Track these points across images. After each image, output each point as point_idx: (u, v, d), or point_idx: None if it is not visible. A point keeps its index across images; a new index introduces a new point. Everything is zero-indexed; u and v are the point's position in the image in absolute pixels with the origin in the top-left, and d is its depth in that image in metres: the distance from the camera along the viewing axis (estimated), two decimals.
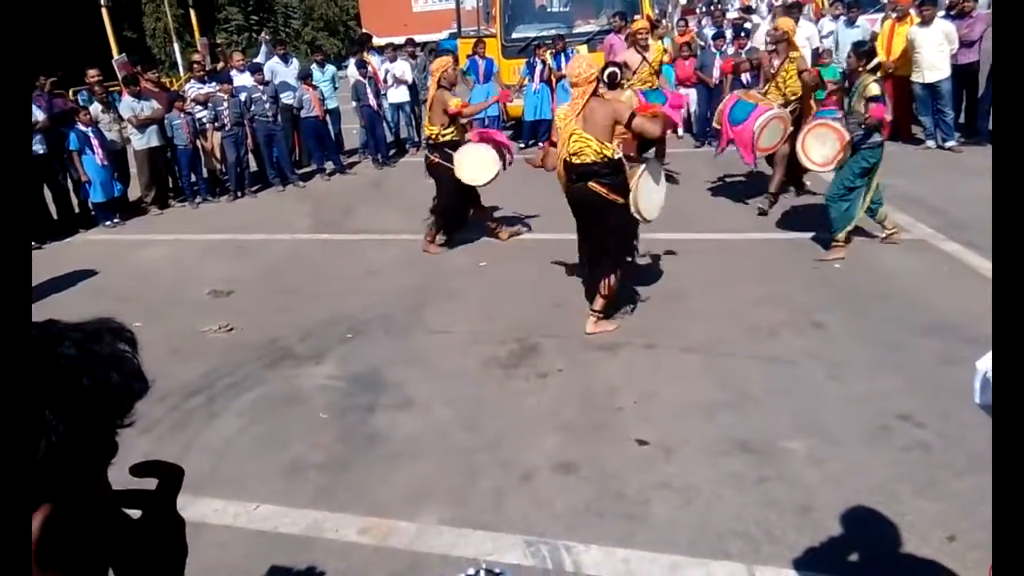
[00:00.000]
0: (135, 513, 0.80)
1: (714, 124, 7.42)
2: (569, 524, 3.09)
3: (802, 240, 6.36)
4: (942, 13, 8.92)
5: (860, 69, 5.63)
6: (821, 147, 5.73)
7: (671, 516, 3.10)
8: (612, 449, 3.61)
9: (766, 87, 7.10)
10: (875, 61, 5.72)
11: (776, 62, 7.03)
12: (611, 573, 2.80)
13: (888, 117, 5.93)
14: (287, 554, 3.03)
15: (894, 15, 9.40)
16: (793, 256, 6.02)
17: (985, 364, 1.19)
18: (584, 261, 5.26)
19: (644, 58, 7.74)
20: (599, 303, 4.92)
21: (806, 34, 10.35)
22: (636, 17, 9.38)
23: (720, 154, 7.43)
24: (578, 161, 4.72)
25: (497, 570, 0.49)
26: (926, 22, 8.70)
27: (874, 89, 5.50)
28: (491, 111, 10.43)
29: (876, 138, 5.64)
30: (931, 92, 8.85)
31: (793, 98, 6.94)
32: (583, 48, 10.70)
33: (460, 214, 6.90)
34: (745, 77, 8.36)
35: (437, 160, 6.62)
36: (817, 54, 8.36)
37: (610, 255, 4.89)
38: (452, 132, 6.58)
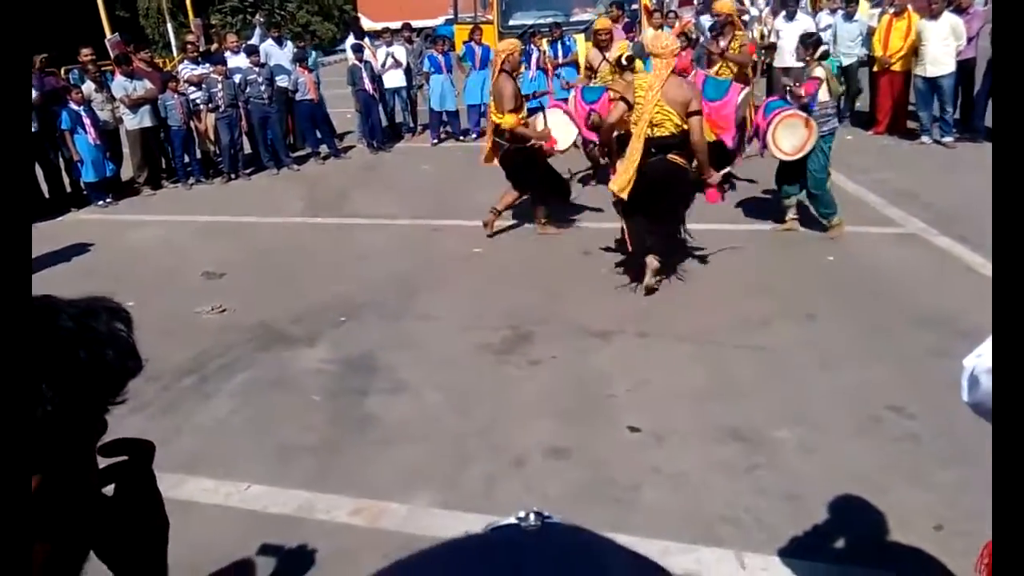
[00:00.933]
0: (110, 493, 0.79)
1: None
2: (560, 509, 3.07)
3: (795, 232, 6.36)
4: (891, 8, 8.96)
5: (808, 59, 6.06)
6: (791, 137, 5.79)
7: (661, 502, 3.12)
8: (604, 435, 3.62)
9: (716, 69, 7.48)
10: (821, 50, 6.07)
11: (723, 43, 7.54)
12: None
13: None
14: (278, 534, 3.03)
15: (891, 10, 9.39)
16: (786, 248, 6.04)
17: (972, 362, 1.20)
18: (639, 243, 5.28)
19: (604, 57, 7.57)
20: (656, 267, 5.13)
21: (803, 27, 10.35)
22: (600, 14, 9.32)
23: None
24: (659, 133, 4.83)
25: (547, 513, 0.50)
26: (935, 15, 8.68)
27: (819, 72, 5.87)
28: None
29: (832, 124, 6.03)
30: (932, 87, 8.84)
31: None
32: (580, 37, 10.66)
33: (558, 181, 6.70)
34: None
35: (515, 146, 6.23)
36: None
37: (682, 222, 5.33)
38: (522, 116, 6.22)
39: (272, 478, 3.45)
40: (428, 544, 0.46)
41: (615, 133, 5.27)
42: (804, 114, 5.79)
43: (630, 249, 5.36)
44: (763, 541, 2.84)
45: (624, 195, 4.97)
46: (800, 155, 5.84)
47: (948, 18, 8.64)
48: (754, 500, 3.08)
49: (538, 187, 6.58)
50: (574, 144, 6.96)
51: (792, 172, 6.07)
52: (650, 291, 5.16)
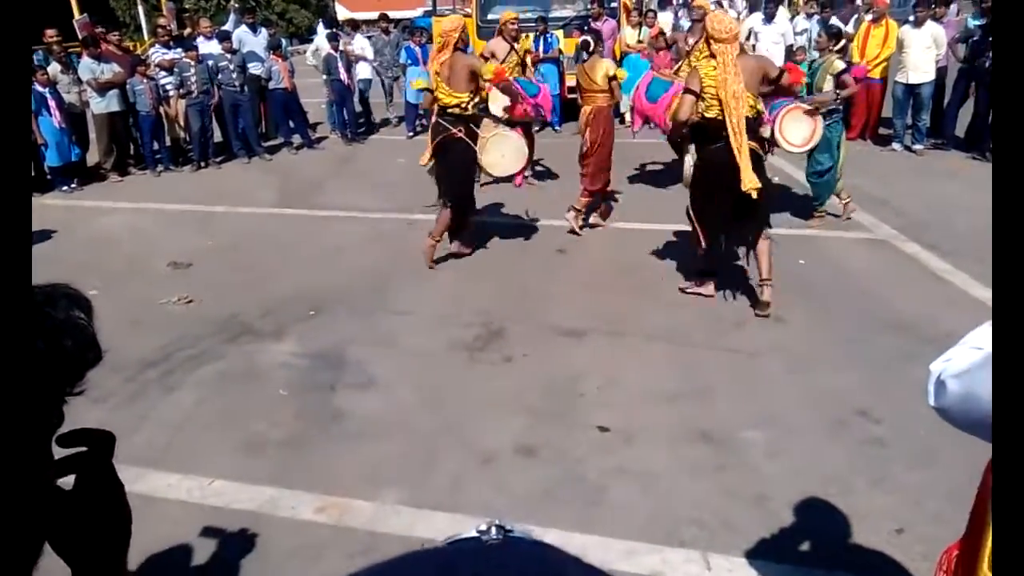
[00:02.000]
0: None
1: (629, 103, 7.46)
2: (528, 508, 3.09)
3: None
4: (912, 18, 9.03)
5: (829, 49, 6.35)
6: (798, 129, 5.79)
7: (629, 502, 3.12)
8: (573, 434, 3.62)
9: (679, 65, 7.35)
10: (842, 43, 6.32)
11: (692, 40, 7.51)
12: None
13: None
14: (242, 530, 2.98)
15: (869, 17, 9.50)
16: None
17: (940, 367, 1.20)
18: (721, 237, 5.14)
19: (513, 48, 7.36)
20: (769, 268, 4.83)
21: (781, 30, 10.46)
22: (506, 10, 9.10)
23: (637, 131, 7.31)
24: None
25: (509, 527, 0.48)
26: (918, 23, 8.77)
27: (839, 65, 6.11)
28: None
29: (834, 115, 6.20)
30: (911, 94, 8.95)
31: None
32: (559, 32, 10.65)
33: (473, 202, 6.05)
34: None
35: (459, 135, 5.58)
36: (791, 51, 8.43)
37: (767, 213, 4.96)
38: (477, 102, 5.69)
39: (237, 473, 3.39)
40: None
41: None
42: (807, 106, 5.83)
43: (703, 245, 4.99)
44: (729, 542, 2.86)
45: (751, 187, 4.55)
46: (810, 146, 5.91)
47: (930, 27, 8.74)
48: (721, 501, 3.10)
49: (464, 197, 5.85)
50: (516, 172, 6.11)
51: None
52: (765, 309, 4.80)
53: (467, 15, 11.83)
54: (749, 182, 4.53)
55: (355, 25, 12.22)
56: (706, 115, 4.67)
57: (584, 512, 3.06)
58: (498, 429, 3.67)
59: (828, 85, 6.12)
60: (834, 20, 10.25)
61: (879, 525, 2.91)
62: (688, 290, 5.16)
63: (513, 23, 7.42)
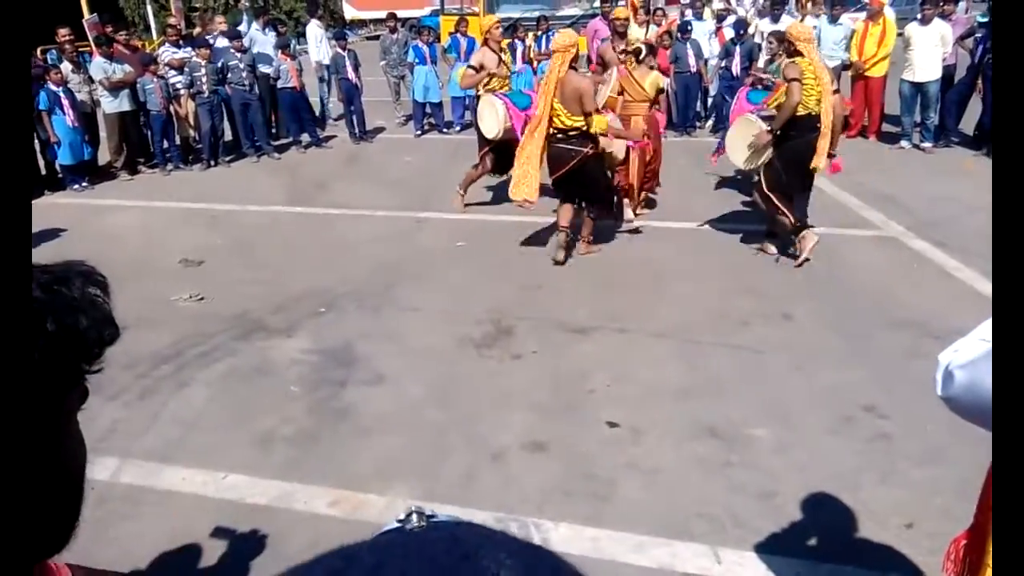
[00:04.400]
0: None
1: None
2: (538, 502, 3.12)
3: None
4: (919, 16, 9.01)
5: (780, 53, 6.92)
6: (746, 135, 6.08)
7: (638, 497, 3.15)
8: (582, 430, 3.64)
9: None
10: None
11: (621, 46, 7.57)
12: (579, 551, 2.83)
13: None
14: (255, 524, 3.02)
15: (864, 15, 9.50)
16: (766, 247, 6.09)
17: (947, 357, 1.23)
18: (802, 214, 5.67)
19: (501, 59, 7.07)
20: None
21: None
22: (453, 9, 8.94)
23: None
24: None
25: (428, 512, 0.50)
26: (925, 21, 8.75)
27: (791, 72, 6.20)
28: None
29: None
30: (918, 92, 8.94)
31: None
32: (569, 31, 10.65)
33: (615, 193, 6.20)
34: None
35: (592, 151, 5.53)
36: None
37: None
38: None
39: (250, 468, 3.43)
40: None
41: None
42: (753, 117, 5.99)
43: (793, 223, 5.54)
44: (738, 537, 2.88)
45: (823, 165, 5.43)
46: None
47: (938, 24, 8.72)
48: (730, 496, 3.12)
49: (605, 199, 5.91)
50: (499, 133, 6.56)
51: None
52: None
53: (474, 13, 11.89)
54: (820, 161, 5.35)
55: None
56: (807, 104, 5.28)
57: (594, 506, 3.08)
58: (508, 425, 3.70)
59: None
60: (844, 19, 10.24)
61: (887, 520, 2.93)
62: (807, 256, 5.52)
63: (497, 28, 7.09)
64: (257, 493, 3.25)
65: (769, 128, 5.52)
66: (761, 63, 8.06)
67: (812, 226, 5.63)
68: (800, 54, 5.34)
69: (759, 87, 7.18)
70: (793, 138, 5.44)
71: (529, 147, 5.53)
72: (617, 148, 5.94)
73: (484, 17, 7.26)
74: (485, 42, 7.09)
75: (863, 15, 10.33)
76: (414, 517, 0.49)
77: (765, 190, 5.62)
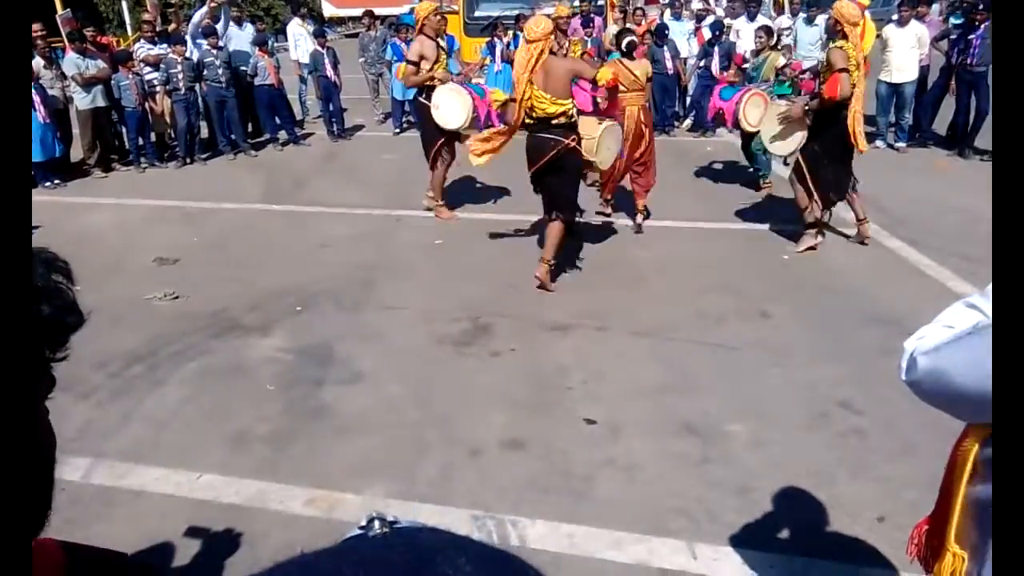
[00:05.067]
0: None
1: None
2: (515, 499, 3.12)
3: (756, 231, 6.50)
4: (895, 17, 9.11)
5: (768, 47, 7.43)
6: (754, 110, 6.62)
7: (615, 493, 3.16)
8: (560, 427, 3.65)
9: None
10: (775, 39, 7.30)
11: (565, 43, 7.51)
12: (556, 547, 2.84)
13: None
14: (230, 524, 2.99)
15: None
16: (746, 247, 6.15)
17: (912, 344, 1.25)
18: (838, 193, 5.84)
19: (439, 48, 6.73)
20: (863, 208, 5.83)
21: None
22: (415, 6, 8.71)
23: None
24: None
25: (390, 518, 0.50)
26: (902, 23, 8.84)
27: (780, 60, 7.12)
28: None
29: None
30: (894, 93, 9.04)
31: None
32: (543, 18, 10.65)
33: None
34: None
35: (574, 144, 5.29)
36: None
37: None
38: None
39: (225, 467, 3.39)
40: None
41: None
42: (763, 93, 6.74)
43: (823, 206, 5.78)
44: (714, 532, 2.90)
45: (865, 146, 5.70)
46: (758, 128, 6.68)
47: (914, 26, 8.82)
48: (706, 492, 3.14)
49: (572, 203, 5.53)
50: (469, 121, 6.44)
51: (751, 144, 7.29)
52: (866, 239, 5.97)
53: (453, 12, 11.85)
54: (864, 143, 5.57)
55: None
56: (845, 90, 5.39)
57: (571, 503, 3.09)
58: (485, 423, 3.70)
59: (773, 77, 7.14)
60: (821, 20, 10.33)
61: (860, 514, 2.96)
62: (800, 251, 5.81)
63: (436, 16, 6.71)
64: (232, 493, 3.22)
65: (806, 104, 5.74)
66: (749, 55, 8.13)
67: (823, 232, 5.94)
68: (845, 37, 5.46)
69: (736, 82, 7.32)
70: (827, 123, 5.62)
71: (501, 130, 5.49)
72: (604, 157, 5.71)
73: (419, 5, 6.83)
74: (421, 29, 6.57)
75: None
76: (376, 523, 0.48)
77: (807, 175, 5.75)
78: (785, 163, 6.66)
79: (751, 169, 7.81)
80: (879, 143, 9.29)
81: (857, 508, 2.99)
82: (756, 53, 7.66)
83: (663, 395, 3.91)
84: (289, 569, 0.41)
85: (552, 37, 5.24)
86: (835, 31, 5.59)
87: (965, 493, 1.26)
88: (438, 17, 6.77)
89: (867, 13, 9.40)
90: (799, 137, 5.95)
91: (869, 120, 9.60)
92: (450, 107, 6.40)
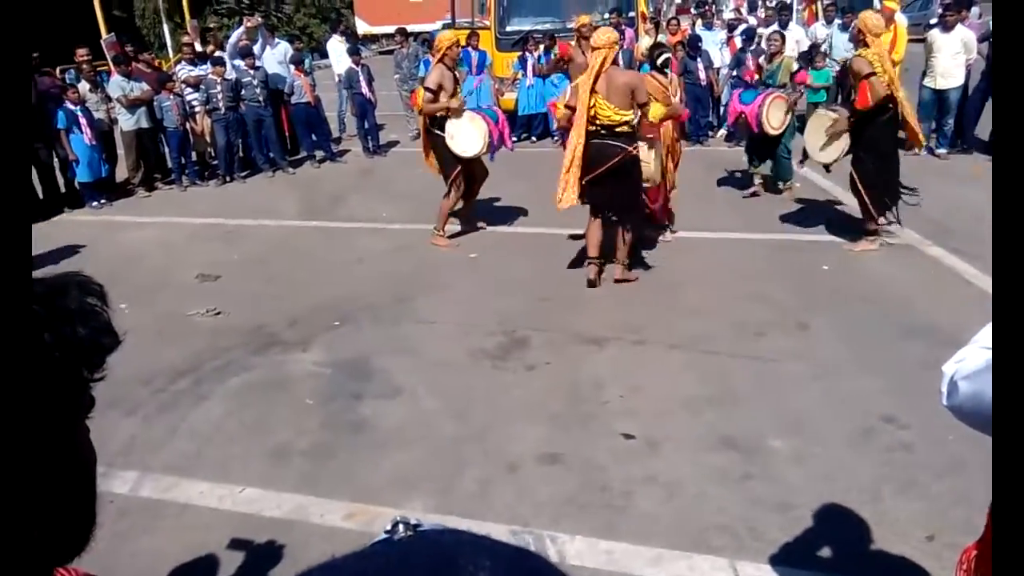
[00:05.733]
0: None
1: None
2: (553, 515, 3.11)
3: (792, 241, 6.42)
4: (934, 20, 8.96)
5: (781, 51, 7.66)
6: (777, 114, 6.94)
7: (654, 509, 3.13)
8: (597, 442, 3.63)
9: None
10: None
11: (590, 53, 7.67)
12: (594, 564, 2.82)
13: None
14: (272, 537, 3.03)
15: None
16: (783, 257, 6.08)
17: (951, 368, 1.22)
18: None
19: (456, 80, 6.71)
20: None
21: (795, 37, 10.43)
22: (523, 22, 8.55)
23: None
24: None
25: (413, 521, 0.50)
26: (948, 27, 8.65)
27: (795, 65, 7.52)
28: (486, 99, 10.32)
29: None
30: (938, 98, 8.85)
31: None
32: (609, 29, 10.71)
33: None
34: None
35: (635, 152, 5.40)
36: (811, 58, 8.43)
37: None
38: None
39: (266, 481, 3.44)
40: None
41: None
42: (786, 96, 7.18)
43: (877, 212, 5.96)
44: (757, 549, 2.85)
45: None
46: (783, 130, 7.08)
47: (960, 31, 8.61)
48: (747, 509, 3.09)
49: (637, 207, 5.71)
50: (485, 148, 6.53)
51: (762, 149, 7.47)
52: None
53: (485, 27, 11.95)
54: (922, 137, 5.89)
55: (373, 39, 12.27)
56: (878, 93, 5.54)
57: (610, 519, 3.07)
58: (522, 437, 3.70)
59: (787, 80, 7.53)
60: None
61: (908, 533, 2.89)
62: (856, 250, 5.98)
63: (457, 48, 6.73)
64: (273, 506, 3.26)
65: (849, 116, 5.80)
66: (762, 60, 8.11)
67: (882, 235, 6.08)
68: (867, 45, 5.59)
69: (759, 87, 7.33)
70: (868, 128, 5.75)
71: (574, 149, 5.39)
72: (654, 170, 5.76)
73: (441, 34, 6.78)
74: (441, 59, 6.46)
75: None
76: (400, 527, 0.49)
77: (861, 187, 5.91)
78: (827, 170, 6.59)
79: (753, 171, 7.81)
80: (920, 150, 9.11)
81: (904, 526, 2.92)
82: (770, 58, 7.68)
83: (702, 409, 3.87)
84: (316, 574, 0.42)
85: (616, 47, 5.33)
86: (858, 41, 5.73)
87: None
88: (458, 49, 6.86)
89: (902, 18, 9.34)
90: (842, 146, 6.00)
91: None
92: (466, 136, 6.46)
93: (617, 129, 5.26)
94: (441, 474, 3.44)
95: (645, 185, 5.73)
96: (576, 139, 5.34)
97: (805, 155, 6.60)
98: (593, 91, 5.19)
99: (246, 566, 2.91)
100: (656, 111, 5.37)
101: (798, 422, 3.70)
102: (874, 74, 5.51)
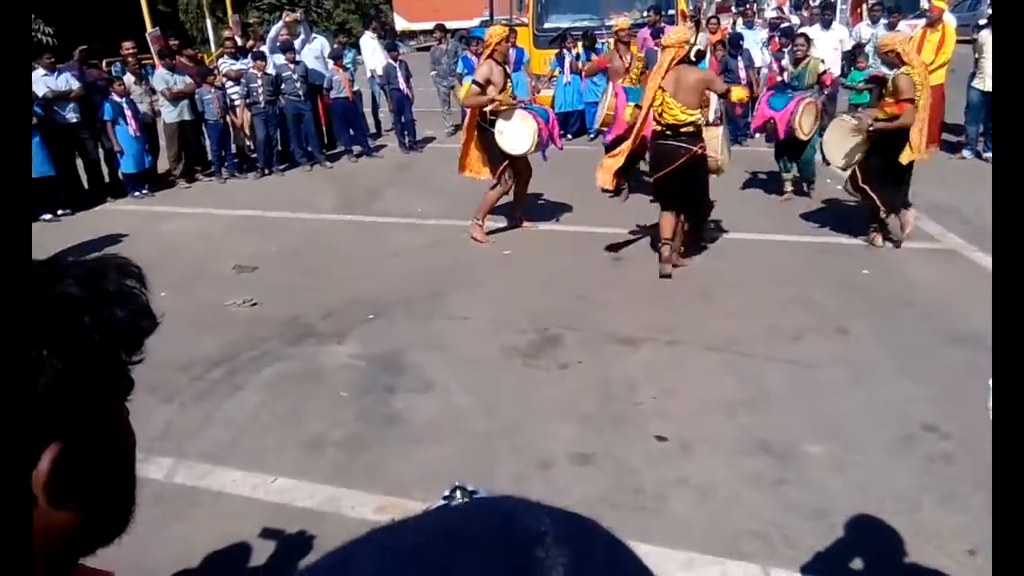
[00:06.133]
0: None
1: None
2: (585, 515, 3.08)
3: (831, 244, 6.31)
4: (983, 21, 8.72)
5: (808, 54, 7.54)
6: (808, 120, 6.91)
7: (687, 513, 3.09)
8: (630, 443, 3.60)
9: (620, 81, 7.44)
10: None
11: (627, 56, 7.69)
12: None
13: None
14: (304, 527, 3.05)
15: (923, 22, 9.22)
16: (821, 260, 5.97)
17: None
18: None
19: (507, 76, 6.61)
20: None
21: (838, 37, 10.24)
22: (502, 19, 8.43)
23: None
24: None
25: (471, 487, 0.50)
26: None
27: (821, 67, 7.47)
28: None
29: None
30: (987, 101, 8.62)
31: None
32: (611, 40, 10.64)
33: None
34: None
35: (702, 151, 5.47)
36: (853, 58, 8.28)
37: None
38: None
39: (299, 471, 3.47)
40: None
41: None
42: (816, 101, 7.16)
43: (885, 209, 5.95)
44: (791, 557, 2.80)
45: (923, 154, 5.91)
46: (812, 133, 7.01)
47: None
48: (782, 515, 3.04)
49: (703, 207, 5.82)
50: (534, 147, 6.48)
51: (790, 151, 7.43)
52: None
53: (523, 24, 11.93)
54: (923, 149, 5.77)
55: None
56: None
57: (642, 521, 3.04)
58: (554, 436, 3.68)
59: (814, 82, 7.49)
60: (902, 26, 9.99)
61: (948, 545, 2.82)
62: (907, 232, 5.98)
63: (507, 42, 6.65)
64: (306, 497, 3.29)
65: (870, 126, 5.80)
66: (785, 63, 7.99)
67: (909, 206, 6.05)
68: (906, 63, 5.66)
69: (787, 91, 7.28)
70: (890, 143, 5.76)
71: (630, 142, 5.47)
72: (726, 156, 5.85)
73: (490, 30, 6.74)
74: (491, 55, 6.39)
75: (922, 22, 10.05)
76: (458, 493, 0.49)
77: (860, 183, 5.91)
78: (844, 170, 6.50)
79: (787, 173, 7.76)
80: (966, 153, 8.89)
81: (944, 539, 2.85)
82: (796, 62, 7.57)
83: (737, 412, 3.81)
84: (380, 534, 0.42)
85: (687, 46, 5.31)
86: (895, 63, 5.74)
87: None
88: (508, 44, 6.76)
89: (951, 18, 9.11)
90: (859, 153, 6.02)
91: (957, 129, 9.25)
92: (515, 133, 6.41)
93: (682, 129, 5.26)
94: (472, 470, 3.44)
95: (719, 164, 5.81)
96: (636, 133, 5.38)
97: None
98: (660, 89, 5.17)
99: (277, 556, 2.94)
100: (738, 94, 5.56)
101: (836, 428, 3.63)
102: (912, 101, 5.57)
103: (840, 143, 6.14)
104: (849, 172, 6.14)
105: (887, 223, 6.11)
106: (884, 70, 6.84)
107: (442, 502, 0.49)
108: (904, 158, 5.72)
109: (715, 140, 5.68)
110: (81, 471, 0.61)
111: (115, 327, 0.63)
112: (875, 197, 5.88)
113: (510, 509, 0.43)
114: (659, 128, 5.32)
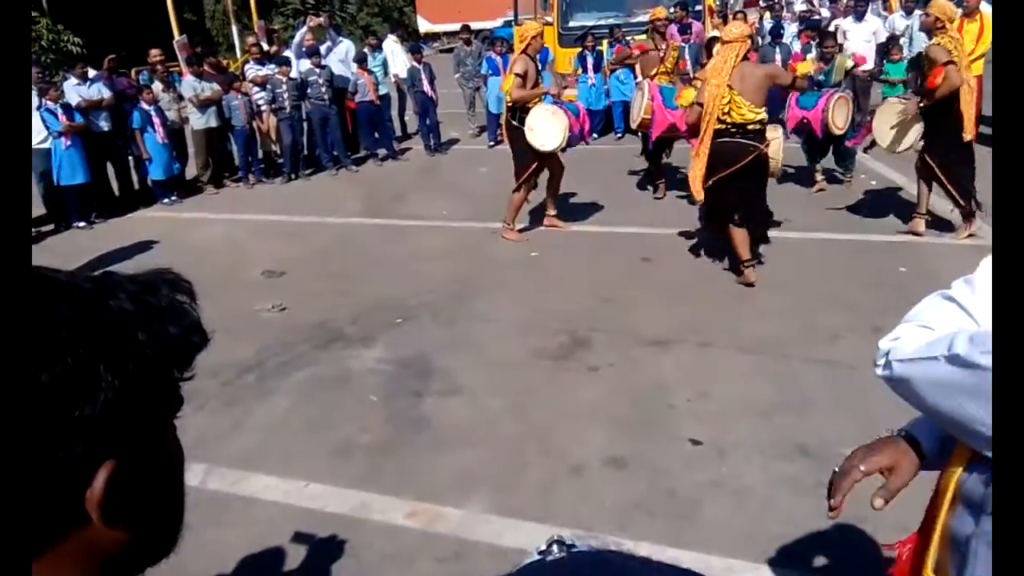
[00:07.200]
0: None
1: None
2: (619, 520, 3.04)
3: (867, 242, 6.18)
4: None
5: (835, 52, 7.58)
6: (841, 113, 6.84)
7: (723, 518, 3.03)
8: (663, 447, 3.54)
9: (655, 72, 7.45)
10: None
11: (663, 46, 7.59)
12: None
13: None
14: (335, 533, 3.04)
15: (960, 12, 9.01)
16: (857, 258, 5.85)
17: (887, 345, 1.21)
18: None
19: (538, 71, 6.67)
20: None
21: (872, 28, 10.07)
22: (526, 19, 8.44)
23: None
24: None
25: (568, 540, 0.48)
26: None
27: (849, 63, 7.48)
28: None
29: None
30: None
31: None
32: (641, 38, 10.55)
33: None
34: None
35: (766, 149, 5.31)
36: (887, 49, 8.13)
37: None
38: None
39: (330, 477, 3.46)
40: (481, 551, 0.43)
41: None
42: (847, 96, 7.05)
43: (964, 200, 5.91)
44: (829, 563, 2.73)
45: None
46: (844, 130, 6.93)
47: None
48: (820, 520, 2.96)
49: (766, 212, 5.64)
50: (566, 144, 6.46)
51: (820, 145, 7.48)
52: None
53: (547, 24, 11.88)
54: (972, 129, 5.73)
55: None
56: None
57: (677, 526, 2.98)
58: (586, 439, 3.63)
59: (841, 78, 7.46)
60: None
61: None
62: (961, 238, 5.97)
63: (540, 38, 6.63)
64: (336, 502, 3.28)
65: (919, 101, 5.78)
66: (810, 57, 7.91)
67: (974, 213, 5.97)
68: (943, 31, 5.61)
69: (814, 89, 7.06)
70: (940, 117, 5.77)
71: (703, 145, 5.32)
72: (778, 164, 5.78)
73: (525, 24, 6.71)
74: (524, 50, 6.48)
75: (959, 12, 9.83)
76: (555, 547, 0.47)
77: (940, 175, 5.88)
78: (894, 152, 6.44)
79: (819, 169, 7.78)
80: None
81: None
82: (825, 60, 7.52)
83: (773, 415, 3.73)
84: None
85: (749, 41, 5.24)
86: (935, 28, 5.68)
87: (944, 522, 1.19)
88: (541, 40, 6.73)
89: (989, 7, 8.89)
90: (914, 135, 5.99)
91: (988, 121, 9.02)
92: (546, 129, 6.35)
93: (749, 127, 5.15)
94: (503, 474, 3.41)
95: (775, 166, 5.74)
96: (705, 136, 5.25)
97: (872, 143, 6.48)
98: (728, 87, 5.06)
99: (309, 561, 2.93)
100: (805, 67, 5.68)
101: (875, 431, 3.48)
102: (952, 63, 5.48)
103: (891, 125, 6.09)
104: (916, 161, 6.11)
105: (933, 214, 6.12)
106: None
107: (537, 556, 0.46)
108: (967, 134, 5.72)
109: (777, 141, 5.58)
110: (134, 489, 0.60)
111: (168, 343, 0.63)
112: (944, 179, 5.83)
113: (604, 564, 0.41)
114: (723, 127, 5.16)
